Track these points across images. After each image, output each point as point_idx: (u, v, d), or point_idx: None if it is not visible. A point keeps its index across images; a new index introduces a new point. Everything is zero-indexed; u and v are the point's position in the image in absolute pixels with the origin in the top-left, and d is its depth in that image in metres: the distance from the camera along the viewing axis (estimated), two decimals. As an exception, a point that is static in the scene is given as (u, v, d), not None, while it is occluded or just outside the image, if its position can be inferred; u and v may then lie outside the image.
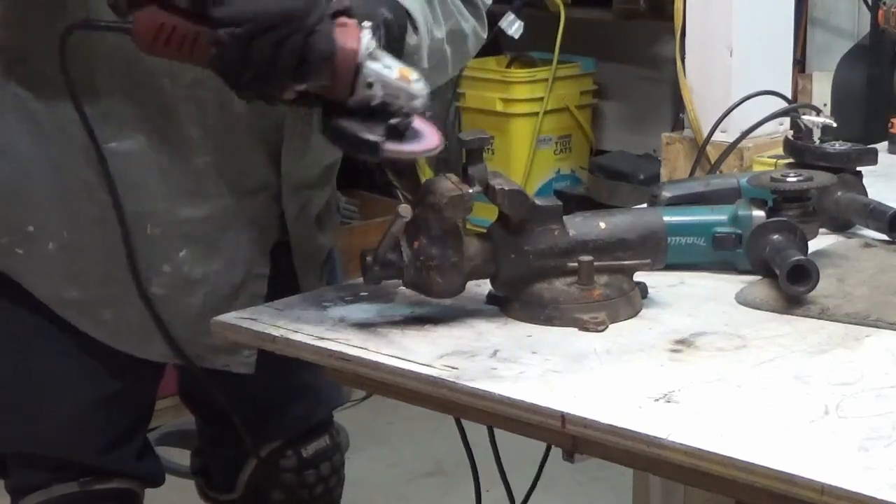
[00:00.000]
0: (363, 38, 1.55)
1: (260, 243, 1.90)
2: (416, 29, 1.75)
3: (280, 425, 2.11)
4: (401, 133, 1.56)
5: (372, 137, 1.53)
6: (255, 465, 2.11)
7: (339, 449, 2.20)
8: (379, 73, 1.54)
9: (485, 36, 1.96)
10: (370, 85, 1.54)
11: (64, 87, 1.71)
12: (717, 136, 2.41)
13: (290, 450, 2.12)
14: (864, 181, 2.00)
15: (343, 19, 1.55)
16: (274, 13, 1.49)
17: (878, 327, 1.60)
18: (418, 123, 1.59)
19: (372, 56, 1.55)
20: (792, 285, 1.65)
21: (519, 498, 2.28)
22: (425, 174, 1.68)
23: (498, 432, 1.53)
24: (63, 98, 1.73)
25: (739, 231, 1.76)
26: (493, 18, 3.97)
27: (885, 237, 1.92)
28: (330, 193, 2.03)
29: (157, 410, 2.07)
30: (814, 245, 1.79)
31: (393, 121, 1.55)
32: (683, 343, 1.56)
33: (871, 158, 2.00)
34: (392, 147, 1.55)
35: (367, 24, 1.56)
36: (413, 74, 1.57)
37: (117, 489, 1.95)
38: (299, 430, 2.13)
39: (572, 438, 1.42)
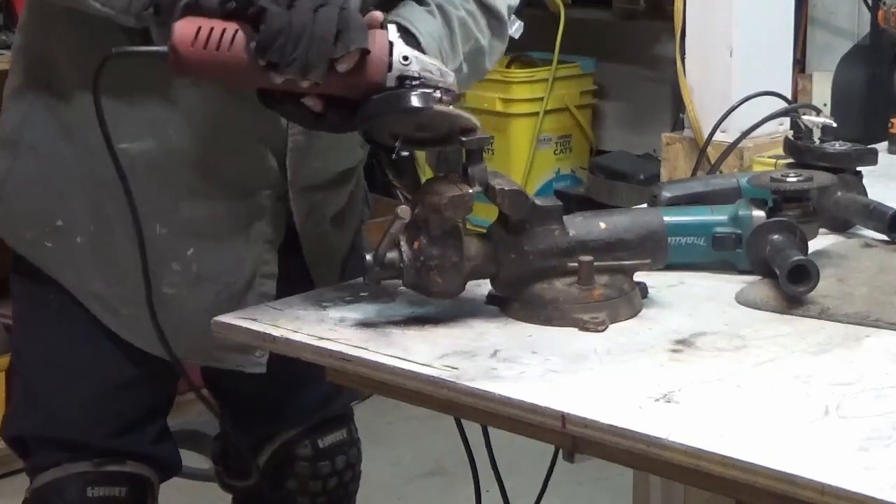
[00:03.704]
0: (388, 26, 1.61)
1: (267, 242, 1.93)
2: None
3: (297, 413, 2.14)
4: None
5: (424, 91, 1.58)
6: (272, 452, 2.14)
7: (357, 444, 2.22)
8: (410, 50, 1.60)
9: (503, 48, 1.99)
10: (406, 58, 1.59)
11: (85, 89, 1.75)
12: (718, 136, 2.41)
13: (307, 439, 2.15)
14: (864, 181, 2.00)
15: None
16: None
17: (878, 327, 1.60)
18: None
19: (399, 40, 1.61)
20: (792, 285, 1.65)
21: (517, 498, 2.27)
22: (425, 174, 1.69)
23: (500, 431, 1.53)
24: (85, 100, 1.78)
25: (739, 231, 1.76)
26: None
27: (885, 237, 1.91)
28: (351, 192, 2.05)
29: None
30: (814, 245, 1.79)
31: (436, 93, 1.58)
32: (683, 343, 1.56)
33: (871, 158, 2.00)
34: (442, 106, 1.58)
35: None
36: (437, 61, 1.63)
37: (130, 473, 1.98)
38: (316, 419, 2.16)
39: (572, 438, 1.42)
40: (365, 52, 1.57)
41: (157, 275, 1.86)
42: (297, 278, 1.93)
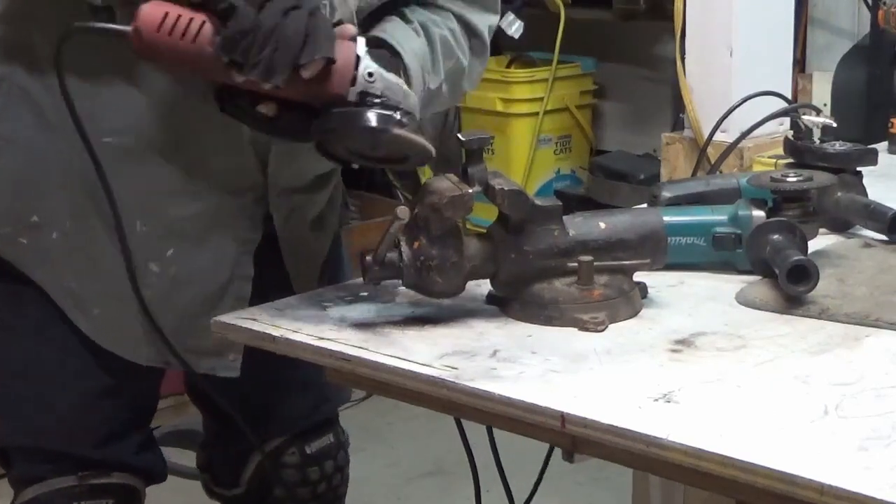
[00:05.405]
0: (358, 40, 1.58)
1: (245, 244, 1.90)
2: (408, 82, 1.75)
3: (284, 420, 2.12)
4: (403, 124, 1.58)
5: (385, 112, 1.56)
6: (259, 460, 2.12)
7: (344, 447, 2.21)
8: (377, 67, 1.58)
9: (483, 70, 1.98)
10: (371, 75, 1.57)
11: (70, 79, 1.72)
12: (718, 136, 2.41)
13: (294, 446, 2.13)
14: (864, 181, 2.00)
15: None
16: None
17: (878, 327, 1.60)
18: None
19: (366, 55, 1.58)
20: (792, 285, 1.65)
21: (519, 498, 2.28)
22: (425, 174, 1.69)
23: (498, 432, 1.53)
24: (69, 91, 1.74)
25: (739, 231, 1.76)
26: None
27: (885, 237, 1.92)
28: (330, 196, 2.03)
29: (157, 410, 2.07)
30: (814, 245, 1.79)
31: (396, 114, 1.56)
32: (683, 343, 1.56)
33: (871, 158, 2.00)
34: (401, 131, 1.56)
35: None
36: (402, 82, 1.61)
37: (116, 484, 1.95)
38: (303, 426, 2.14)
39: (572, 438, 1.42)
40: (330, 62, 1.55)
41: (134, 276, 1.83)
42: (273, 282, 1.91)
